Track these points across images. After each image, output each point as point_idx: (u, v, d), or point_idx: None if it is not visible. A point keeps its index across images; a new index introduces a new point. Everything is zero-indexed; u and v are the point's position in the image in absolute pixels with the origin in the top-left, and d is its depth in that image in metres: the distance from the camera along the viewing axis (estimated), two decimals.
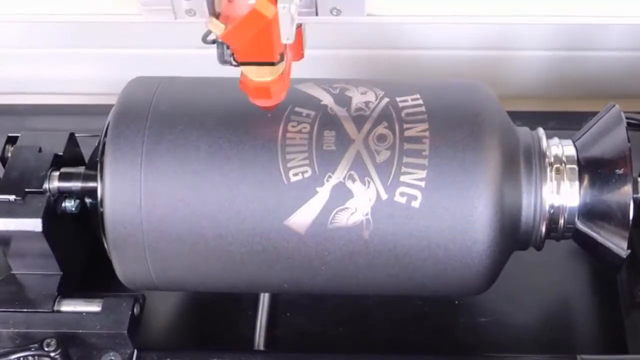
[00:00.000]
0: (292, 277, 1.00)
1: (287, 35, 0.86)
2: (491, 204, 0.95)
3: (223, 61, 0.91)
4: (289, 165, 0.96)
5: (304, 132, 0.97)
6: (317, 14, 0.94)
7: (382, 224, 0.96)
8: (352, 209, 0.95)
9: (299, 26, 0.94)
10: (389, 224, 0.96)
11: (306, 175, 0.96)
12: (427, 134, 0.97)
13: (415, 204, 0.95)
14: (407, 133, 0.98)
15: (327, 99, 1.00)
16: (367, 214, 0.95)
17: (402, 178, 0.96)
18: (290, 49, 0.93)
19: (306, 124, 0.97)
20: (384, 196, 0.95)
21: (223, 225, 0.97)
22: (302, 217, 0.96)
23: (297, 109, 0.99)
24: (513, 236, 0.99)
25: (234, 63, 0.91)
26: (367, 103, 1.00)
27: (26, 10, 1.01)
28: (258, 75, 0.91)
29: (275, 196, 0.96)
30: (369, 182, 0.96)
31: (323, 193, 0.96)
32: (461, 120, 0.99)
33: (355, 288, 1.02)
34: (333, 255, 0.97)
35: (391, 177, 0.96)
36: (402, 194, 0.95)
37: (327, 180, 0.96)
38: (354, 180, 0.96)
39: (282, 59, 0.90)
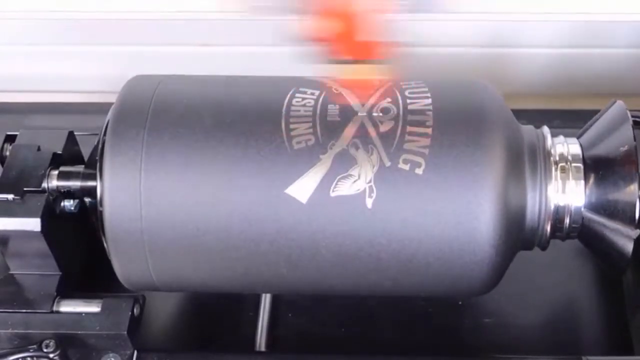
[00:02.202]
0: (291, 256, 0.98)
1: (387, 33, 0.88)
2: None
3: (316, 60, 0.91)
4: (292, 134, 0.97)
5: (308, 105, 0.98)
6: (413, 12, 0.96)
7: (385, 192, 0.95)
8: (355, 176, 0.95)
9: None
10: (392, 191, 0.95)
11: (309, 143, 0.96)
12: (430, 107, 0.99)
13: (419, 171, 0.95)
14: (410, 107, 0.99)
15: (331, 82, 1.01)
16: (370, 181, 0.95)
17: (406, 146, 0.96)
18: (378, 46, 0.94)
19: (310, 99, 0.99)
20: (387, 163, 0.96)
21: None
22: (304, 185, 0.96)
23: (301, 88, 1.00)
24: (518, 236, 0.99)
25: (333, 62, 0.91)
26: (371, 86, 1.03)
27: (25, 7, 1.01)
28: (357, 73, 0.92)
29: (277, 164, 0.96)
30: (372, 149, 0.96)
31: (326, 160, 0.96)
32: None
33: (354, 275, 1.00)
34: (335, 226, 0.96)
35: (395, 144, 0.96)
36: (405, 161, 0.96)
37: (331, 148, 0.96)
38: (357, 148, 0.96)
39: (386, 57, 0.92)
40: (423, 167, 0.95)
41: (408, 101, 1.00)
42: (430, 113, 0.98)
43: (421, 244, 0.96)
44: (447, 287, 1.00)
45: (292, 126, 0.97)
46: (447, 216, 0.95)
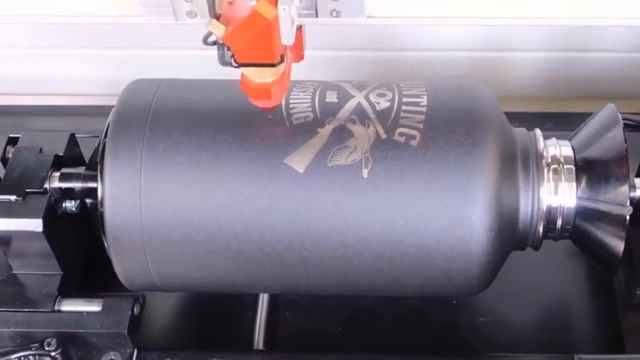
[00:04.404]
0: (285, 231, 0.97)
1: (287, 37, 0.88)
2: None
3: (224, 62, 0.92)
4: (291, 112, 0.99)
5: (308, 92, 1.01)
6: (317, 16, 0.95)
7: (380, 162, 0.96)
8: (352, 147, 0.97)
9: (299, 28, 0.95)
10: (387, 160, 0.96)
11: (308, 119, 0.98)
12: (424, 94, 1.01)
13: (414, 142, 0.97)
14: (405, 92, 1.01)
15: (329, 80, 1.04)
16: (366, 152, 0.97)
17: (401, 121, 0.98)
18: (291, 50, 0.94)
19: (310, 88, 1.02)
20: (383, 135, 0.97)
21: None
22: (302, 156, 0.97)
23: (301, 83, 1.02)
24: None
25: (235, 64, 0.92)
26: (368, 82, 1.04)
27: (27, 12, 1.02)
28: (258, 76, 0.92)
29: (276, 138, 0.97)
30: (368, 124, 0.98)
31: (323, 133, 0.98)
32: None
33: (347, 254, 0.99)
34: (331, 197, 0.96)
35: (390, 120, 0.98)
36: (400, 134, 0.97)
37: (328, 123, 0.98)
38: (354, 122, 0.98)
39: (282, 61, 0.91)
40: (418, 139, 0.97)
41: (403, 91, 1.02)
42: (425, 97, 1.01)
43: (413, 227, 0.96)
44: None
45: (291, 106, 0.99)
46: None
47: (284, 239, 0.98)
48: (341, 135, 0.98)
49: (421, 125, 0.98)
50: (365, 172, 0.96)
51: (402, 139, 0.97)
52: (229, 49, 0.91)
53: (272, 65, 0.91)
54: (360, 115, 0.99)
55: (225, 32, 0.87)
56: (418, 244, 0.97)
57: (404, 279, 1.00)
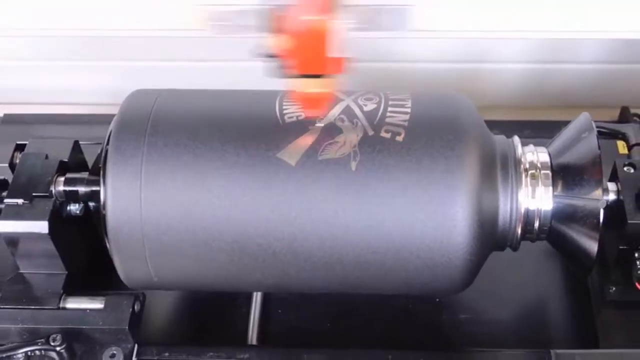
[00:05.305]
0: (277, 222, 0.99)
1: (341, 49, 0.89)
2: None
3: (276, 74, 0.92)
4: (284, 112, 1.01)
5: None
6: (364, 29, 0.98)
7: (368, 155, 0.98)
8: (341, 142, 0.99)
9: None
10: (374, 154, 0.98)
11: (300, 118, 1.01)
12: (409, 99, 1.03)
13: (399, 138, 0.99)
14: (391, 97, 1.04)
15: None
16: (354, 147, 0.99)
17: (387, 120, 1.01)
18: (337, 62, 0.94)
19: None
20: (371, 132, 1.00)
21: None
22: (294, 150, 0.99)
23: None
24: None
25: (289, 76, 0.92)
26: (355, 90, 1.06)
27: (35, 26, 1.03)
28: (313, 86, 0.93)
29: (270, 134, 0.99)
30: (357, 122, 1.00)
31: (314, 130, 1.00)
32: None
33: (335, 245, 0.99)
34: (321, 188, 0.98)
35: (377, 118, 1.01)
36: (387, 131, 1.00)
37: (319, 122, 1.00)
38: (343, 121, 1.00)
39: (338, 71, 0.92)
40: (403, 135, 0.99)
41: (390, 97, 1.04)
42: (409, 101, 1.03)
43: (398, 217, 0.98)
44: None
45: (284, 108, 1.01)
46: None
47: (275, 230, 0.99)
48: (331, 131, 1.00)
49: (406, 124, 1.00)
50: (353, 165, 0.98)
51: (388, 135, 0.99)
52: (282, 60, 0.91)
53: (328, 76, 0.92)
54: (349, 115, 1.02)
55: (286, 45, 0.88)
56: (403, 235, 0.98)
57: (389, 270, 1.01)
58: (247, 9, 0.98)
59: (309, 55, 0.89)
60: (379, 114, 1.02)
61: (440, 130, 1.00)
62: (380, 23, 0.99)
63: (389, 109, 1.02)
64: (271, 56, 0.91)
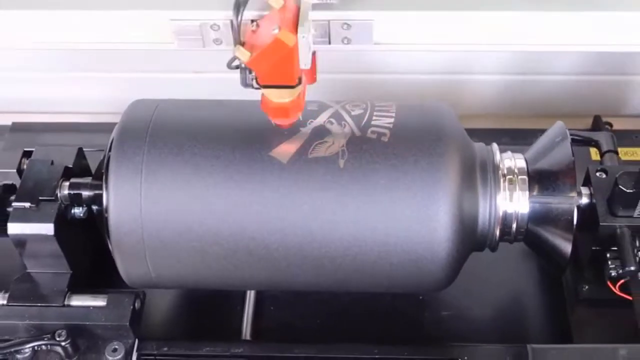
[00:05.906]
0: (269, 217, 1.00)
1: (305, 62, 0.92)
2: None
3: (246, 85, 0.95)
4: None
5: None
6: (330, 43, 1.01)
7: (355, 153, 1.01)
8: (330, 142, 1.02)
9: (314, 54, 0.97)
10: (361, 153, 1.01)
11: None
12: (394, 106, 1.06)
13: (385, 138, 1.02)
14: (376, 104, 1.07)
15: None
16: (342, 146, 1.02)
17: (374, 122, 1.04)
18: (306, 73, 0.98)
19: None
20: (358, 133, 1.03)
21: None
22: (285, 149, 1.01)
23: None
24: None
25: (256, 86, 0.95)
26: (343, 99, 1.09)
27: (42, 39, 1.03)
28: (278, 97, 0.96)
29: (262, 136, 1.02)
30: (345, 124, 1.04)
31: (305, 131, 1.03)
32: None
33: (324, 239, 1.01)
34: (311, 184, 1.00)
35: (364, 122, 1.04)
36: (373, 132, 1.03)
37: (309, 124, 1.03)
38: (332, 124, 1.04)
39: (299, 83, 0.95)
40: (388, 136, 1.02)
41: (376, 104, 1.07)
42: (394, 109, 1.06)
43: (384, 212, 1.00)
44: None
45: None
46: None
47: (268, 224, 1.00)
48: (321, 132, 1.03)
49: (391, 126, 1.03)
50: (341, 163, 1.00)
51: (374, 136, 1.02)
52: (251, 72, 0.93)
53: (291, 87, 0.94)
54: (338, 118, 1.05)
55: (250, 57, 0.90)
56: (389, 229, 1.00)
57: (376, 263, 1.02)
58: (213, 23, 1.00)
59: (278, 67, 0.91)
60: (366, 117, 1.05)
61: (423, 132, 1.03)
62: (346, 37, 1.01)
63: (375, 113, 1.05)
64: (239, 68, 0.93)
